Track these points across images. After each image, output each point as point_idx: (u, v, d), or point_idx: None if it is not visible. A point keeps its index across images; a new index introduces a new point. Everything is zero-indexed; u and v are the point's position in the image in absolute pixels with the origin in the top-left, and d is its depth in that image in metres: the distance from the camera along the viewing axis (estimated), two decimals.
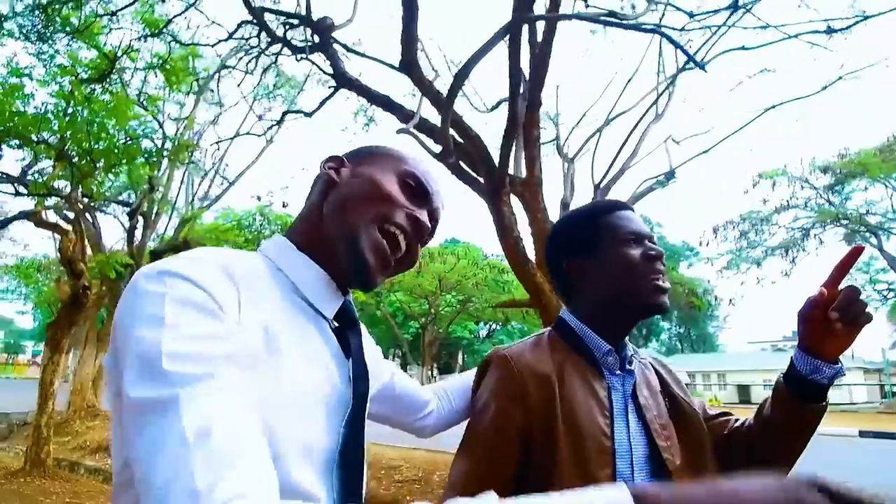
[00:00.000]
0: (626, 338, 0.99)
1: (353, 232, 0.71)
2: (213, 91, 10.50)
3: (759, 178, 16.44)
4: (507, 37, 3.83)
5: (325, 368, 0.67)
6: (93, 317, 11.59)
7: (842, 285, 0.88)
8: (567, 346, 0.97)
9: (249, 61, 7.06)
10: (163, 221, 11.58)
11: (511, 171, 5.23)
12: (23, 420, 10.72)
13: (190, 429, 0.45)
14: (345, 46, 5.58)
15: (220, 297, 0.57)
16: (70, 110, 6.26)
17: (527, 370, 0.90)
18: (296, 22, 5.74)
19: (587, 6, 5.47)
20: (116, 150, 6.46)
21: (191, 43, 7.51)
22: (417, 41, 4.78)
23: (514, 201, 4.90)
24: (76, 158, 6.47)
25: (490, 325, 34.72)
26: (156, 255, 9.46)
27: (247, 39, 6.70)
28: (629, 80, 8.15)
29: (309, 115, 6.67)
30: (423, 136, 5.07)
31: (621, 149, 6.93)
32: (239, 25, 6.40)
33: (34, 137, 6.21)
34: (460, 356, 35.86)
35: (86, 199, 8.49)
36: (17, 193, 7.49)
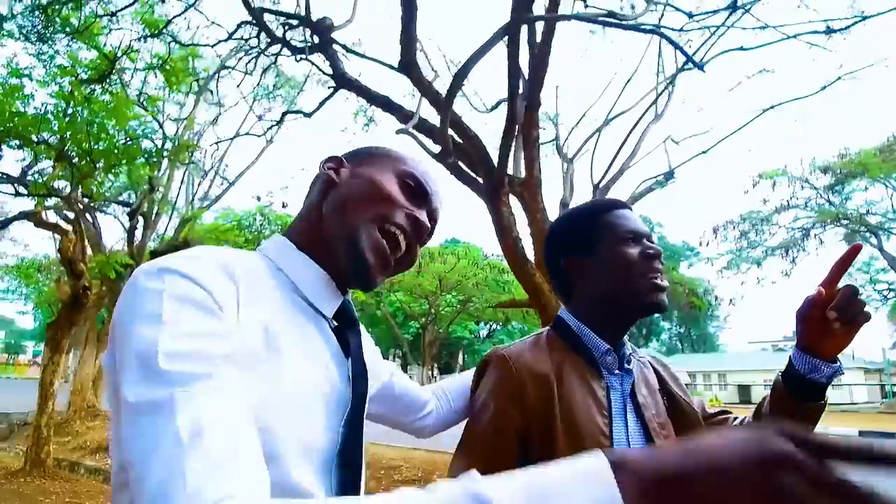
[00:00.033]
0: (625, 337, 0.99)
1: (353, 232, 0.71)
2: (211, 92, 10.50)
3: (759, 179, 16.46)
4: (506, 37, 3.84)
5: (325, 367, 0.67)
6: (93, 317, 11.60)
7: (841, 284, 0.87)
8: (565, 345, 0.97)
9: (249, 62, 7.06)
10: (163, 221, 11.60)
11: (511, 171, 5.23)
12: (23, 420, 10.72)
13: (184, 430, 0.45)
14: (344, 47, 5.57)
15: (219, 295, 0.56)
16: (70, 111, 6.27)
17: (525, 370, 0.90)
18: (295, 22, 5.74)
19: (586, 6, 5.47)
20: (116, 151, 6.47)
21: (190, 43, 7.52)
22: (416, 41, 4.78)
23: (514, 202, 4.90)
24: (76, 159, 6.48)
25: (490, 326, 34.70)
26: (156, 255, 9.40)
27: (246, 40, 6.70)
28: (628, 81, 8.16)
29: (308, 115, 6.68)
30: (422, 137, 5.07)
31: (620, 149, 6.94)
32: (238, 26, 6.40)
33: (34, 138, 6.22)
34: (461, 356, 35.84)
35: (86, 200, 8.50)
36: (18, 194, 7.50)
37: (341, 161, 0.79)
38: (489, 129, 9.82)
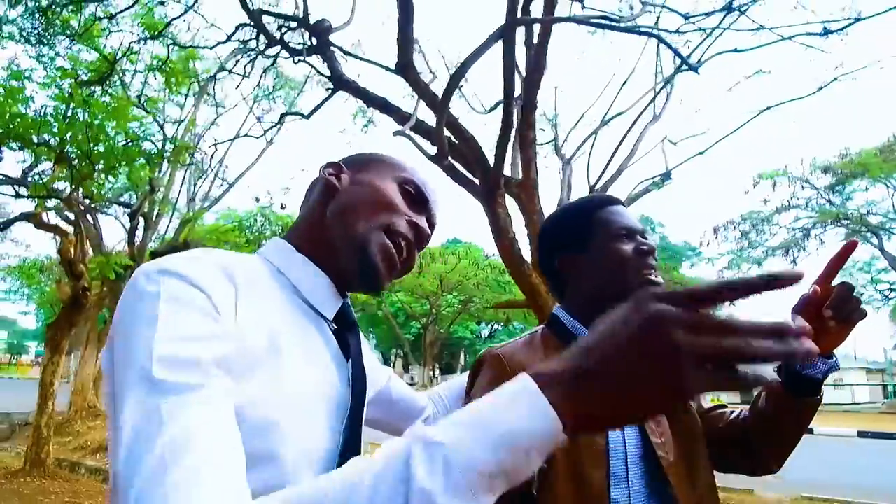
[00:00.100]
0: None
1: (362, 238, 0.72)
2: (209, 95, 10.52)
3: (759, 179, 16.42)
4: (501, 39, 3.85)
5: (326, 369, 0.68)
6: (93, 318, 11.63)
7: (837, 282, 0.88)
8: (560, 343, 0.96)
9: (247, 64, 7.08)
10: (163, 222, 11.62)
11: (508, 172, 5.24)
12: (25, 420, 10.74)
13: (170, 442, 0.45)
14: (341, 49, 5.58)
15: (217, 297, 0.57)
16: (70, 112, 6.29)
17: (520, 369, 0.89)
18: (293, 25, 5.75)
19: (583, 8, 5.48)
20: (116, 152, 6.48)
21: (190, 45, 7.55)
22: (413, 43, 4.79)
23: (511, 203, 4.91)
24: (76, 160, 6.50)
25: (492, 326, 34.66)
26: (156, 256, 9.42)
27: (245, 42, 6.71)
28: (626, 82, 8.14)
29: (306, 116, 6.68)
30: (419, 138, 5.08)
31: (617, 150, 6.94)
32: (237, 28, 6.41)
33: (34, 139, 6.23)
34: (462, 356, 35.83)
35: (86, 201, 8.53)
36: (18, 195, 7.54)
37: (341, 167, 0.80)
38: (488, 130, 9.85)
